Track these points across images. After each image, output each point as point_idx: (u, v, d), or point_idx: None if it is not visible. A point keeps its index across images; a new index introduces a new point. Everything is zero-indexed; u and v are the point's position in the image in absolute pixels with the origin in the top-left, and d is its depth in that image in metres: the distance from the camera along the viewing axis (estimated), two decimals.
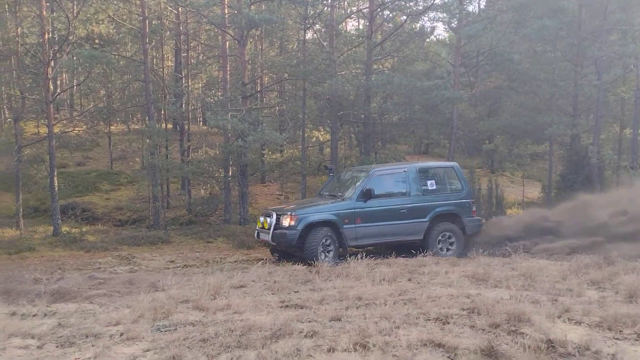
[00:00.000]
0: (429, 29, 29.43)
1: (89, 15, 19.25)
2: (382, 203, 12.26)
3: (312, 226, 11.56)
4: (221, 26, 18.80)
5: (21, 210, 17.80)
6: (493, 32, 20.03)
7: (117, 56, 20.83)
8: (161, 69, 23.43)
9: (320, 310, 6.93)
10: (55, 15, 20.44)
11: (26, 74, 19.48)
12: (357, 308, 6.98)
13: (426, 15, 21.89)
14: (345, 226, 11.78)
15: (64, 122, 21.99)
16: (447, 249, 12.64)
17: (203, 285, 8.46)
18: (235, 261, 13.03)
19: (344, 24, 25.81)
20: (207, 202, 20.23)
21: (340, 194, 12.57)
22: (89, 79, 21.53)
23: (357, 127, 22.68)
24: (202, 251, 15.07)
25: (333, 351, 5.27)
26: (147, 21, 18.93)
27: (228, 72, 20.58)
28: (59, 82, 26.71)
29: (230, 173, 19.48)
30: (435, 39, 29.36)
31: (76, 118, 23.05)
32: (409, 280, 8.90)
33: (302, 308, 7.20)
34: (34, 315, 7.74)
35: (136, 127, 23.64)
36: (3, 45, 19.82)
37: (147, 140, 19.88)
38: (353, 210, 11.97)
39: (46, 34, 17.26)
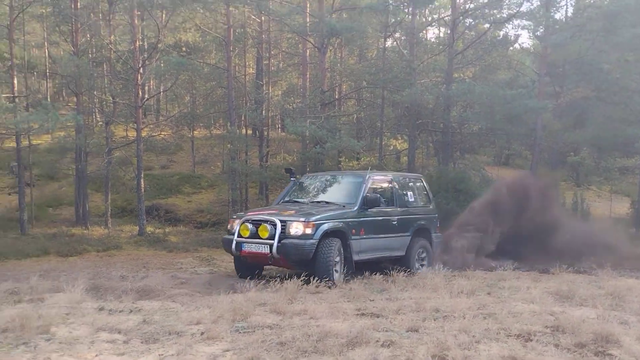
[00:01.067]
0: (512, 37, 28.68)
1: (177, 24, 20.05)
2: (378, 213, 11.11)
3: (326, 236, 10.02)
4: (302, 34, 19.09)
5: (109, 210, 18.67)
6: (581, 41, 19.32)
7: (202, 63, 21.53)
8: (243, 76, 24.02)
9: (396, 320, 6.88)
10: (146, 24, 21.39)
11: (117, 80, 20.46)
12: (434, 320, 6.88)
13: (510, 23, 21.39)
14: (352, 237, 10.45)
15: (151, 126, 22.93)
16: (421, 265, 11.98)
17: (280, 289, 8.60)
18: None
19: (424, 32, 25.60)
20: None
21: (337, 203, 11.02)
22: (175, 86, 22.35)
23: (435, 136, 22.41)
24: None
25: None
26: (231, 30, 19.49)
27: (308, 80, 20.85)
28: (146, 88, 27.88)
29: None
30: (519, 47, 28.61)
31: (162, 123, 24.01)
32: (488, 294, 8.69)
33: (378, 317, 7.18)
34: (120, 311, 8.09)
35: (218, 132, 24.32)
36: (97, 52, 20.91)
37: (228, 145, 20.40)
38: (358, 219, 10.68)
39: (137, 42, 18.08)
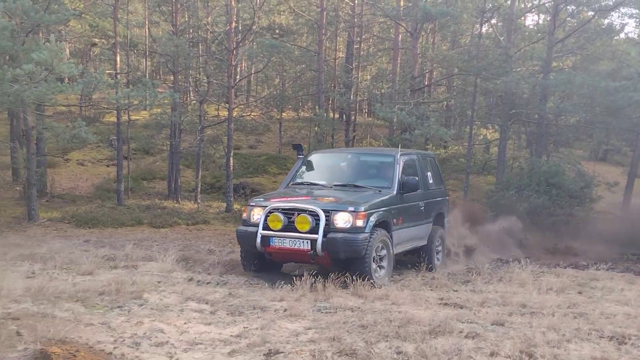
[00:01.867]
0: (618, 26, 27.02)
1: (272, 6, 20.31)
2: (413, 198, 9.63)
3: (374, 228, 8.49)
4: (396, 18, 18.85)
5: (199, 185, 19.32)
6: None
7: (293, 46, 21.72)
8: (333, 60, 24.06)
9: (481, 313, 6.73)
10: (242, 6, 21.80)
11: (212, 60, 21.01)
12: (521, 315, 6.68)
13: (616, 11, 20.15)
14: (394, 227, 8.97)
15: (241, 106, 23.43)
16: (437, 258, 10.54)
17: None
18: None
19: (522, 18, 24.60)
20: None
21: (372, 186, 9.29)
22: (267, 67, 22.71)
23: (529, 127, 21.58)
24: None
25: (495, 356, 5.08)
26: (324, 13, 19.54)
27: (398, 65, 20.62)
28: (238, 69, 28.51)
29: None
30: (624, 36, 26.94)
31: (252, 103, 24.50)
32: (579, 293, 8.31)
33: (461, 308, 7.05)
34: (207, 283, 8.40)
35: (305, 115, 24.55)
36: (194, 33, 21.55)
37: (315, 128, 20.56)
38: (397, 206, 9.13)
39: (232, 23, 18.46)
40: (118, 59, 18.35)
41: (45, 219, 14.67)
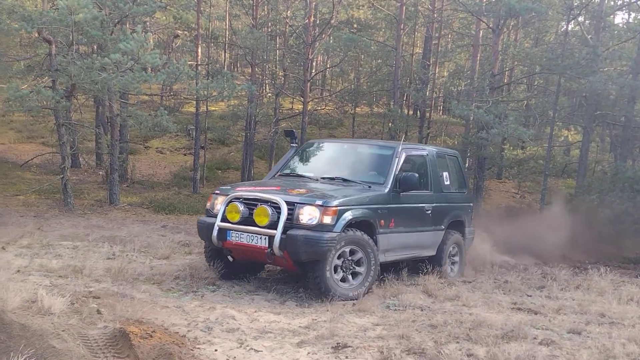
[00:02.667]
0: None
1: (350, 0, 20.28)
2: (414, 198, 8.22)
3: (348, 227, 7.06)
4: (477, 14, 18.39)
5: None
6: None
7: (370, 41, 21.62)
8: (410, 55, 23.79)
9: (556, 320, 6.50)
10: (321, 0, 21.90)
11: (289, 54, 21.23)
12: (599, 325, 6.39)
13: None
14: (380, 230, 7.49)
15: (316, 100, 23.57)
16: (451, 269, 9.23)
17: (434, 271, 8.48)
18: None
19: (612, 16, 23.47)
20: None
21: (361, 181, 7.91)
22: (343, 62, 22.73)
23: (614, 130, 20.62)
24: None
25: None
26: (403, 7, 19.33)
27: (477, 62, 20.12)
28: (314, 63, 28.68)
29: (467, 165, 19.14)
30: None
31: (326, 97, 24.59)
32: None
33: (536, 314, 6.82)
34: (277, 273, 8.53)
35: (379, 110, 24.39)
36: (273, 26, 21.82)
37: (389, 124, 20.39)
38: (388, 206, 7.69)
39: (311, 17, 18.57)
40: (199, 50, 18.83)
41: (126, 203, 15.28)
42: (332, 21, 19.27)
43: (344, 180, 7.93)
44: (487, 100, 17.15)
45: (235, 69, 30.07)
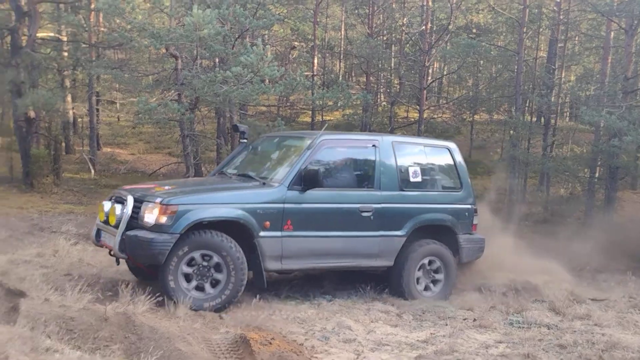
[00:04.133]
0: None
1: (470, 5, 19.73)
2: (332, 197, 7.02)
3: (199, 229, 6.27)
4: (608, 14, 17.21)
5: None
6: None
7: (490, 46, 20.92)
8: (533, 60, 22.72)
9: None
10: (438, 6, 21.50)
11: (405, 61, 21.02)
12: None
13: None
14: (263, 233, 6.52)
15: (432, 108, 23.13)
16: (427, 287, 7.59)
17: (560, 289, 7.95)
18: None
19: None
20: (566, 202, 19.02)
21: (260, 177, 7.17)
22: (461, 68, 22.17)
23: None
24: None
25: None
26: (526, 10, 18.53)
27: (608, 65, 18.81)
28: (430, 70, 28.22)
29: (597, 174, 17.92)
30: None
31: (443, 105, 24.07)
32: None
33: None
34: None
35: (500, 117, 23.50)
36: (388, 34, 21.73)
37: (511, 131, 19.57)
38: (281, 205, 6.67)
39: (428, 24, 18.28)
40: (315, 61, 19.12)
41: None
42: (450, 27, 18.83)
43: (246, 176, 7.27)
44: (620, 105, 15.96)
45: (350, 79, 30.24)
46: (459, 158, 8.11)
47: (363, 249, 7.18)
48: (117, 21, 15.61)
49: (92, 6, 17.03)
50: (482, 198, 20.16)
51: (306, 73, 18.80)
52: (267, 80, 14.69)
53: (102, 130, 20.73)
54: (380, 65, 20.31)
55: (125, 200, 6.41)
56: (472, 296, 7.51)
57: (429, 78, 23.78)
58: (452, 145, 8.29)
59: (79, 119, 22.25)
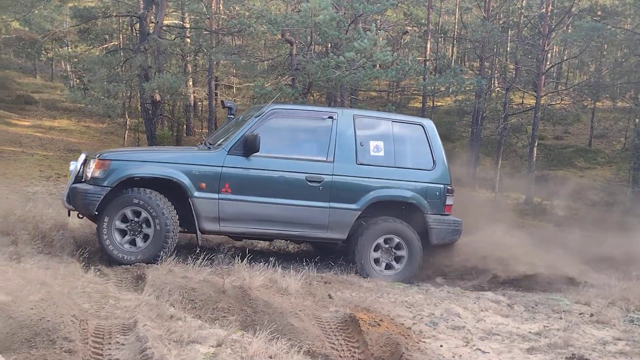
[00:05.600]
0: None
1: None
2: (278, 165, 7.10)
3: (131, 184, 6.71)
4: None
5: (498, 174, 18.90)
6: None
7: (616, 29, 19.66)
8: None
9: None
10: None
11: (522, 46, 20.24)
12: None
13: None
14: (198, 194, 6.79)
15: (550, 94, 22.14)
16: (388, 266, 7.36)
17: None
18: None
19: None
20: None
21: (215, 144, 7.42)
22: (583, 53, 21.04)
23: None
24: None
25: None
26: None
27: None
28: (549, 55, 26.95)
29: None
30: None
31: (562, 91, 22.94)
32: None
33: None
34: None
35: (625, 104, 22.09)
36: (505, 18, 20.99)
37: (636, 119, 18.39)
38: (219, 168, 6.90)
39: (549, 6, 17.47)
40: (428, 45, 18.87)
41: None
42: (573, 9, 17.89)
43: (212, 144, 7.42)
44: None
45: (463, 64, 29.56)
46: (434, 136, 7.74)
47: (310, 219, 7.15)
48: (237, 8, 16.24)
49: None
50: (601, 189, 19.23)
51: (418, 58, 18.63)
52: (378, 65, 14.75)
53: (219, 114, 21.63)
54: (495, 50, 19.68)
55: (79, 158, 7.09)
56: (589, 291, 7.21)
57: (548, 63, 22.74)
58: (427, 122, 7.95)
59: (199, 103, 23.41)
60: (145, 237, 6.64)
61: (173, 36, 18.67)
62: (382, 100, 23.71)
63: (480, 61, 19.58)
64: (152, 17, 16.37)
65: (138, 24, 17.03)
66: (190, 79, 19.91)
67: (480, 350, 4.83)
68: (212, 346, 4.14)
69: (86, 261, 6.47)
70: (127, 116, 19.67)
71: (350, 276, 6.98)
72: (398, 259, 7.36)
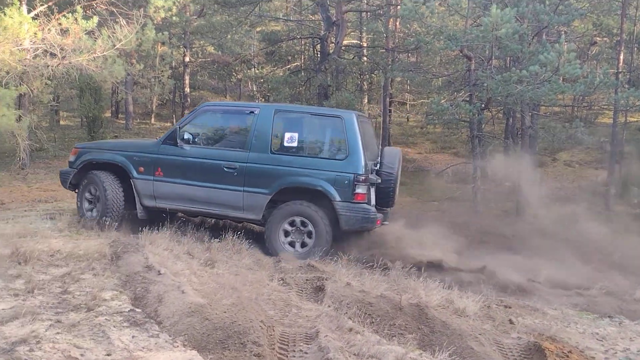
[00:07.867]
0: None
1: None
2: (202, 153, 8.40)
3: (93, 167, 8.77)
4: None
5: None
6: None
7: None
8: None
9: None
10: None
11: None
12: None
13: None
14: (138, 176, 8.53)
15: None
16: (302, 244, 8.08)
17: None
18: None
19: None
20: None
21: None
22: None
23: None
24: None
25: None
26: None
27: None
28: None
29: None
30: None
31: None
32: None
33: None
34: None
35: None
36: None
37: None
38: (154, 156, 8.52)
39: None
40: (621, 57, 17.40)
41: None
42: None
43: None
44: None
45: None
46: (351, 128, 8.15)
47: (227, 201, 8.24)
48: (415, 26, 16.30)
49: (392, 12, 18.03)
50: None
51: (610, 70, 17.23)
52: (562, 79, 13.90)
53: (393, 130, 21.88)
54: None
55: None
56: None
57: None
58: (347, 115, 8.39)
59: (372, 120, 23.83)
60: (91, 202, 8.71)
61: (351, 55, 19.23)
62: (567, 115, 22.29)
63: None
64: (332, 38, 17.02)
65: (319, 45, 17.81)
66: (366, 96, 20.34)
67: None
68: None
69: (271, 270, 6.90)
70: None
71: (533, 301, 6.62)
72: (310, 236, 8.08)
